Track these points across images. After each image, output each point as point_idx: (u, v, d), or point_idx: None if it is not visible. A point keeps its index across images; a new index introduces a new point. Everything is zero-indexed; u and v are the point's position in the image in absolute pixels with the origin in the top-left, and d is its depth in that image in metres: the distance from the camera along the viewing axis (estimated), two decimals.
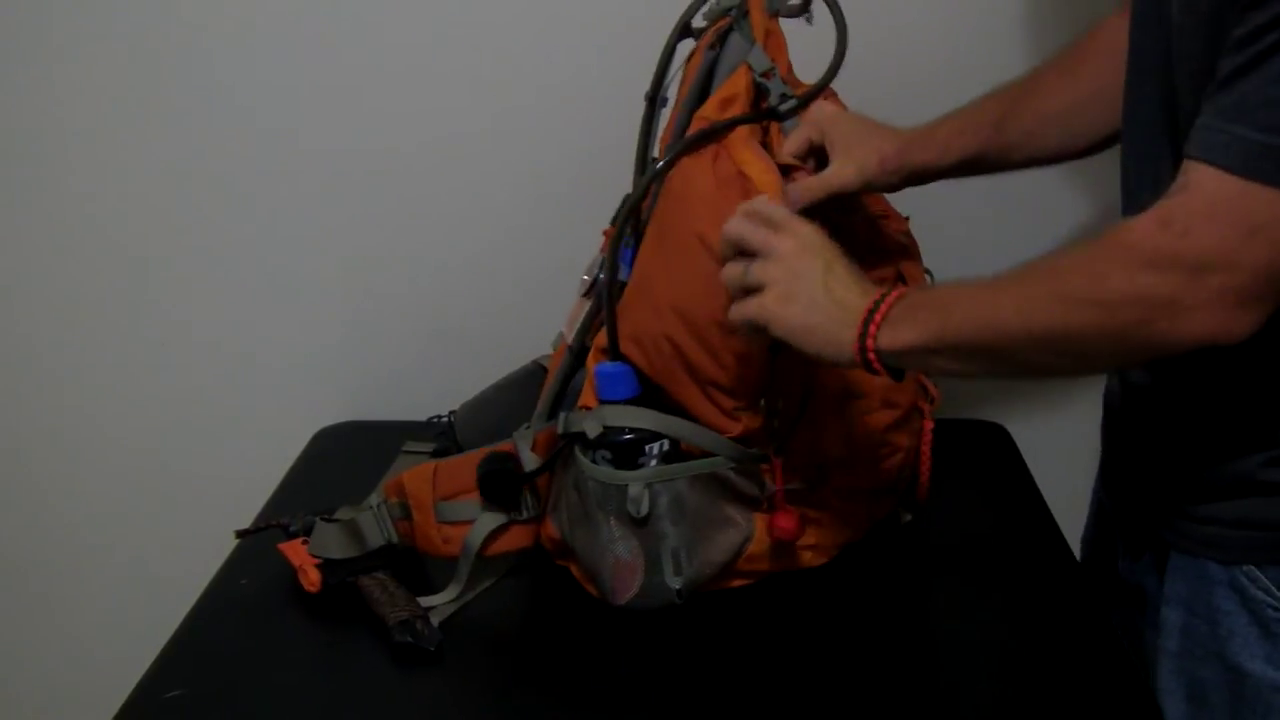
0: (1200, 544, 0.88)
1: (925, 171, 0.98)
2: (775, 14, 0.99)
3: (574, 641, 0.98)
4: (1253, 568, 0.84)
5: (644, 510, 0.92)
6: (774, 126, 0.98)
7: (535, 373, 1.16)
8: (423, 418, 1.26)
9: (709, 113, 0.95)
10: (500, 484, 0.99)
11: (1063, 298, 0.73)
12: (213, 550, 1.11)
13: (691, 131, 0.95)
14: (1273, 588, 0.83)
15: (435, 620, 0.97)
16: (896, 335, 0.78)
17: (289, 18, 1.26)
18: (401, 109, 1.30)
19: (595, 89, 1.26)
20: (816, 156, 0.99)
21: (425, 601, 0.99)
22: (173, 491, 1.47)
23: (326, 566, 1.02)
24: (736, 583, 1.00)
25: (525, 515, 1.01)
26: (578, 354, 1.03)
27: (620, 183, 1.02)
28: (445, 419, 1.21)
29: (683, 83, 1.02)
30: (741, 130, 0.94)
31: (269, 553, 1.05)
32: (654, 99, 1.03)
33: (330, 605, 1.01)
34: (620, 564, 0.95)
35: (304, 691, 0.93)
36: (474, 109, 1.30)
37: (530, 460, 0.98)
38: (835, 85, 0.99)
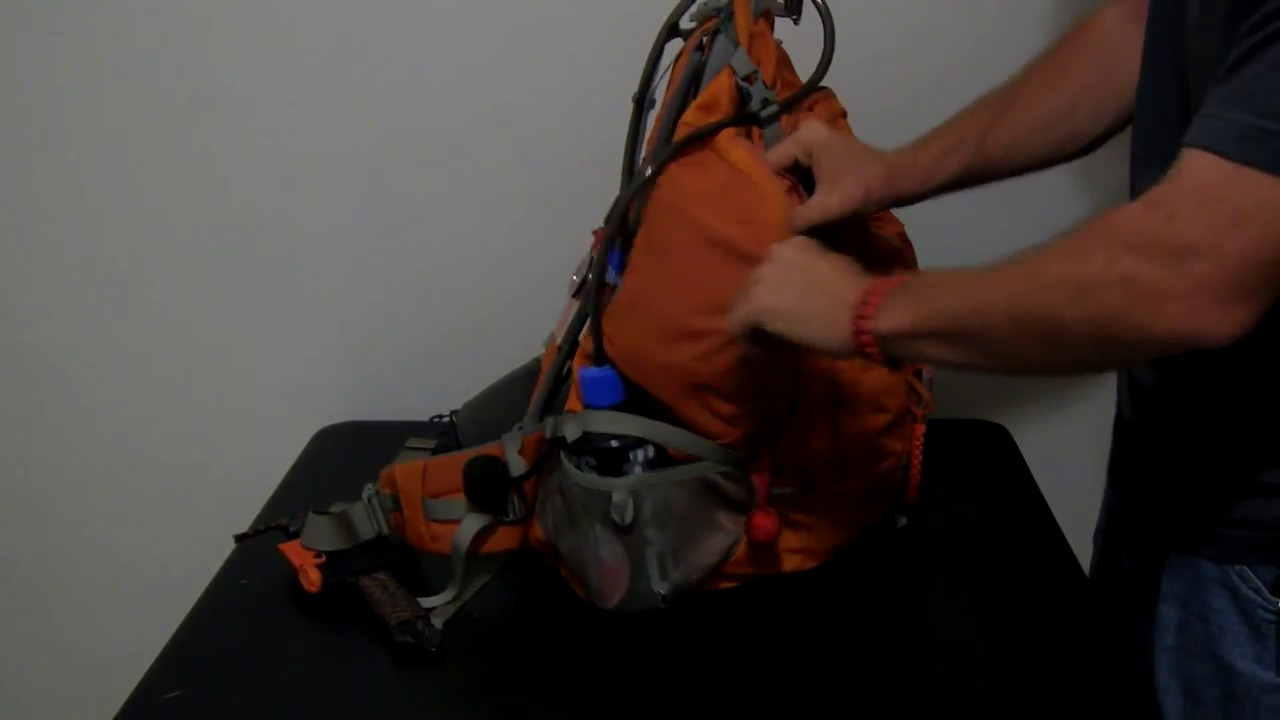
0: (1196, 542, 0.88)
1: (913, 198, 0.97)
2: (762, 16, 0.98)
3: (573, 641, 0.98)
4: (1245, 567, 0.84)
5: (628, 517, 0.92)
6: (755, 133, 0.96)
7: (537, 370, 1.15)
8: (423, 418, 1.26)
9: (691, 118, 0.94)
10: (485, 488, 0.99)
11: (1045, 279, 0.71)
12: (213, 551, 1.12)
13: (677, 137, 0.93)
14: (1264, 588, 0.83)
15: (437, 621, 0.98)
16: (888, 319, 0.77)
17: (289, 18, 1.26)
18: (401, 109, 1.30)
19: (594, 89, 1.24)
20: (800, 175, 0.97)
21: (425, 603, 1.00)
22: (173, 492, 1.48)
23: (327, 566, 1.02)
24: (723, 585, 1.00)
25: (512, 517, 1.01)
26: (568, 354, 1.03)
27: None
28: (446, 419, 1.20)
29: (669, 85, 1.01)
30: (728, 129, 0.93)
31: (269, 553, 1.06)
32: (641, 101, 1.03)
33: (330, 606, 1.01)
34: (606, 568, 0.95)
35: (304, 692, 0.94)
36: (474, 109, 1.30)
37: (517, 464, 0.98)
38: (836, 85, 0.98)
